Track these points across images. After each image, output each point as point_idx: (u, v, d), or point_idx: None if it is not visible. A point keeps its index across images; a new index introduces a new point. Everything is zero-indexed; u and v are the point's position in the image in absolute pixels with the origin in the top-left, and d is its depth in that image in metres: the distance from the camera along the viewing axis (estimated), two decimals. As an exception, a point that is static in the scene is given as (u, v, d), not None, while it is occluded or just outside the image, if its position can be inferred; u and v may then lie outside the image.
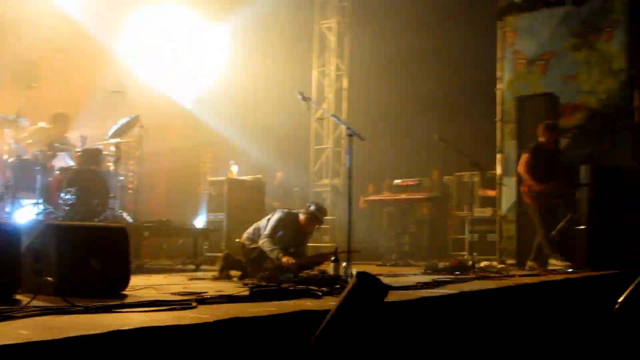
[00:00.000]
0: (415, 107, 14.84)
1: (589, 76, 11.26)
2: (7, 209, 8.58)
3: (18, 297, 4.16)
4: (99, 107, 12.66)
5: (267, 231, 6.97)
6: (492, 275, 7.76)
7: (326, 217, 8.12)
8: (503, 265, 9.91)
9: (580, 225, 9.64)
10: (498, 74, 12.21)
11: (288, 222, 7.09)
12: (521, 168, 9.67)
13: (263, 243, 6.88)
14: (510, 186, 11.32)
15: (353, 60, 15.56)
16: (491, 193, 12.60)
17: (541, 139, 9.67)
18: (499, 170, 11.86)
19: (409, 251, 12.38)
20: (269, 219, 7.15)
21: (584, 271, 8.69)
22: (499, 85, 12.14)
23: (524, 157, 9.67)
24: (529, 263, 9.31)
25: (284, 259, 6.60)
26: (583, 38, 11.43)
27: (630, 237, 9.62)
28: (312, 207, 7.13)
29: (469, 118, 13.38)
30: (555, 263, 9.25)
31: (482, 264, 9.77)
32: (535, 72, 11.85)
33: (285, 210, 7.26)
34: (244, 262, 7.12)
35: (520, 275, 7.72)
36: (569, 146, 11.23)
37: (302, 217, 7.13)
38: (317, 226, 7.45)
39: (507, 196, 11.57)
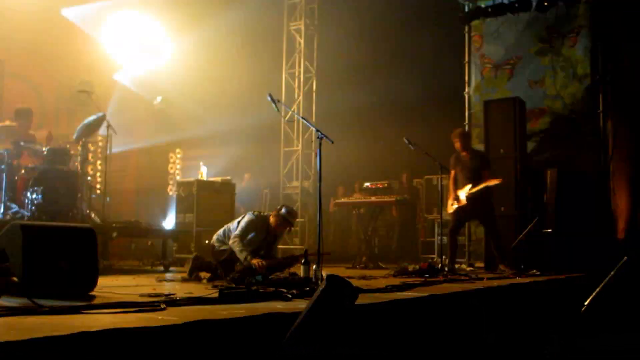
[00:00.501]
0: (385, 110, 14.91)
1: (554, 81, 11.42)
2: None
3: (-18, 297, 4.10)
4: (66, 106, 12.54)
5: (237, 231, 6.94)
6: (461, 278, 7.81)
7: (296, 220, 8.10)
8: (472, 268, 9.98)
9: (546, 229, 9.77)
10: (465, 78, 12.32)
11: (259, 225, 7.06)
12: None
13: (233, 243, 6.85)
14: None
15: (322, 62, 15.56)
16: None
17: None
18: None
19: (379, 254, 12.40)
20: (239, 221, 7.11)
21: (550, 274, 8.80)
22: (466, 90, 12.25)
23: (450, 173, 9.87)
24: (501, 266, 9.40)
25: (254, 261, 6.58)
26: (548, 43, 11.59)
27: (594, 240, 9.77)
28: (283, 210, 7.10)
29: (437, 121, 13.46)
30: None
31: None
32: (502, 77, 11.99)
33: (256, 212, 7.23)
34: (213, 264, 7.08)
35: (489, 278, 7.79)
36: (535, 151, 11.37)
37: (272, 219, 7.11)
38: (287, 229, 7.44)
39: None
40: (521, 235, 9.67)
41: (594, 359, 5.61)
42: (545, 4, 11.17)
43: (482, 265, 10.44)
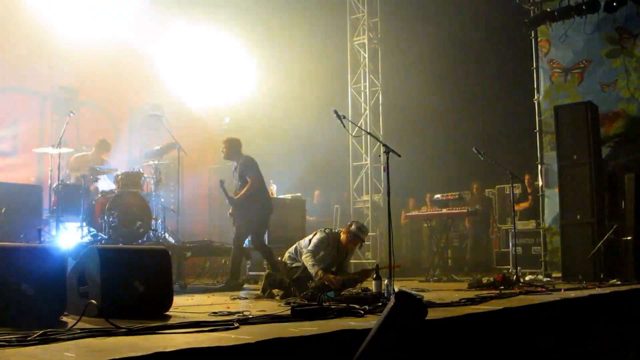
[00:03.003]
0: (453, 120, 14.77)
1: (627, 83, 11.05)
2: (53, 233, 8.76)
3: (64, 319, 4.24)
4: (138, 130, 12.89)
5: (310, 247, 6.97)
6: (538, 289, 7.61)
7: (367, 235, 8.06)
8: (549, 279, 9.73)
9: (626, 237, 9.43)
10: (534, 84, 12.07)
11: (330, 242, 7.06)
12: None
13: (305, 257, 6.88)
14: (553, 198, 11.15)
15: (388, 75, 15.51)
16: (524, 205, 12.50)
17: None
18: (540, 181, 11.69)
19: (453, 266, 12.25)
20: (310, 239, 7.13)
21: (633, 283, 8.50)
22: (535, 96, 12.00)
23: None
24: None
25: (325, 276, 6.59)
26: (619, 45, 11.23)
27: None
28: (353, 227, 7.08)
29: (507, 130, 13.26)
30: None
31: (527, 277, 9.62)
32: (572, 81, 11.68)
33: (327, 230, 7.23)
34: (286, 281, 7.11)
35: (566, 289, 7.57)
36: (610, 156, 11.02)
37: (343, 236, 7.09)
38: (359, 245, 7.40)
39: (550, 208, 11.39)
40: (599, 244, 9.37)
41: None
42: (614, 4, 10.81)
43: (559, 275, 10.16)
